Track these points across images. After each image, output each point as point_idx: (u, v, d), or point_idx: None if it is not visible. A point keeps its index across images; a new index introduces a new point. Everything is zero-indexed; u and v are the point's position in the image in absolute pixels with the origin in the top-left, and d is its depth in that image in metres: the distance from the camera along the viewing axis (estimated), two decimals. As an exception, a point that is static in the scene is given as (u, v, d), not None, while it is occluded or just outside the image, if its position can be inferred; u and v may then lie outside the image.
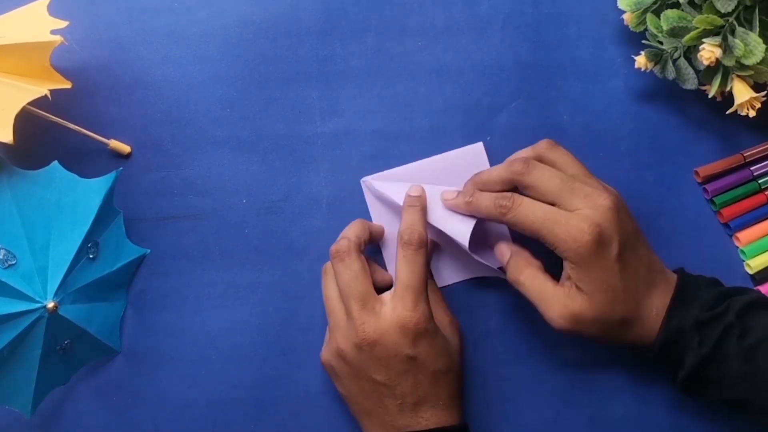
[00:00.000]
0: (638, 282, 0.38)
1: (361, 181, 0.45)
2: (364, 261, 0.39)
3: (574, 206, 0.37)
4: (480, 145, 0.45)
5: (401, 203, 0.42)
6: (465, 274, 0.45)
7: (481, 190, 0.41)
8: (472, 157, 0.45)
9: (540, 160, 0.40)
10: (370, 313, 0.38)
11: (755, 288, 0.45)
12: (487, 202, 0.39)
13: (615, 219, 0.37)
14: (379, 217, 0.45)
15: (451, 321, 0.41)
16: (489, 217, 0.40)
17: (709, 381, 0.37)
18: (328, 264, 0.41)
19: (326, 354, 0.40)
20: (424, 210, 0.41)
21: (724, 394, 0.37)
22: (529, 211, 0.38)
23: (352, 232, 0.41)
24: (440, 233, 0.42)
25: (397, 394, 0.38)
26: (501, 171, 0.40)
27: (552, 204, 0.38)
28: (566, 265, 0.38)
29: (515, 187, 0.40)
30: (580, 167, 0.40)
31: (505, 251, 0.42)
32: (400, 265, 0.39)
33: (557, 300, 0.38)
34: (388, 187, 0.44)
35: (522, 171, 0.39)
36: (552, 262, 0.39)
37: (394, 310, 0.38)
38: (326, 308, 0.41)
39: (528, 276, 0.39)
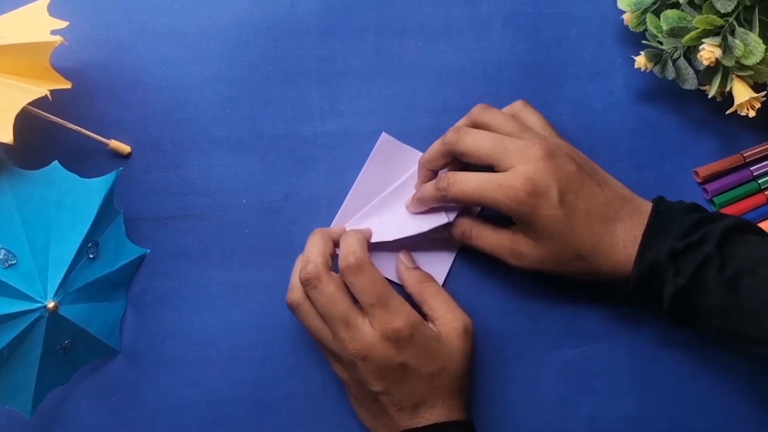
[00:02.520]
0: (593, 219, 0.38)
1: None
2: (336, 278, 0.39)
3: (509, 164, 0.39)
4: (384, 135, 0.45)
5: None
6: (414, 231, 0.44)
7: (428, 169, 0.42)
8: (388, 151, 0.45)
9: (474, 125, 0.42)
10: (354, 330, 0.38)
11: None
12: (430, 190, 0.41)
13: (549, 167, 0.38)
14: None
15: (453, 321, 0.40)
16: (437, 203, 0.42)
17: (693, 312, 0.37)
18: (295, 297, 0.40)
19: (335, 368, 0.41)
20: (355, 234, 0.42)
21: (710, 325, 0.37)
22: (464, 185, 0.39)
23: (316, 251, 0.40)
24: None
25: (396, 401, 0.38)
26: (438, 145, 0.41)
27: (491, 165, 0.39)
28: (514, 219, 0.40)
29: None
30: (515, 124, 0.41)
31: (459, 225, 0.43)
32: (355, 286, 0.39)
33: (505, 245, 0.40)
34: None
35: (454, 140, 0.40)
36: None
37: (373, 324, 0.38)
38: (314, 338, 0.40)
39: (476, 236, 0.42)
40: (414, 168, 0.44)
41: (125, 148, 0.45)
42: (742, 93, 0.41)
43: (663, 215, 0.38)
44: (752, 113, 0.41)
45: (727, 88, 0.42)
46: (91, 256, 0.41)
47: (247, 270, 0.44)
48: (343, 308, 0.38)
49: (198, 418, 0.43)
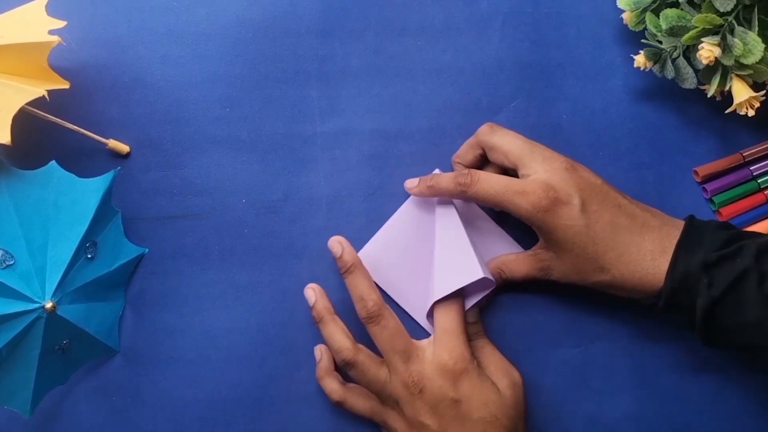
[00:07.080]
0: (617, 230, 0.38)
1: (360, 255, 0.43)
2: (395, 315, 0.40)
3: (533, 169, 0.39)
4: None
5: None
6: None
7: (459, 164, 0.44)
8: (421, 201, 0.44)
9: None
10: (414, 362, 0.38)
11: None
12: (446, 182, 0.41)
13: (572, 176, 0.39)
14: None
15: (506, 375, 0.40)
16: (452, 196, 0.41)
17: (724, 328, 0.36)
18: (349, 354, 0.39)
19: (390, 420, 0.39)
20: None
21: (740, 341, 0.36)
22: (488, 185, 0.39)
23: (368, 288, 0.40)
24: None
25: None
26: (470, 139, 0.43)
27: (513, 166, 0.40)
28: (534, 229, 0.40)
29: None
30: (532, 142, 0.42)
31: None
32: (437, 312, 0.40)
33: (533, 265, 0.41)
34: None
35: (487, 131, 0.42)
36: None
37: (434, 354, 0.39)
38: (372, 390, 0.40)
39: (508, 270, 0.42)
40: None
41: (124, 148, 0.44)
42: (741, 92, 0.41)
43: (695, 230, 0.38)
44: (751, 112, 0.41)
45: (727, 88, 0.42)
46: (89, 255, 0.40)
47: (247, 270, 0.44)
48: (404, 341, 0.39)
49: (198, 418, 0.43)
